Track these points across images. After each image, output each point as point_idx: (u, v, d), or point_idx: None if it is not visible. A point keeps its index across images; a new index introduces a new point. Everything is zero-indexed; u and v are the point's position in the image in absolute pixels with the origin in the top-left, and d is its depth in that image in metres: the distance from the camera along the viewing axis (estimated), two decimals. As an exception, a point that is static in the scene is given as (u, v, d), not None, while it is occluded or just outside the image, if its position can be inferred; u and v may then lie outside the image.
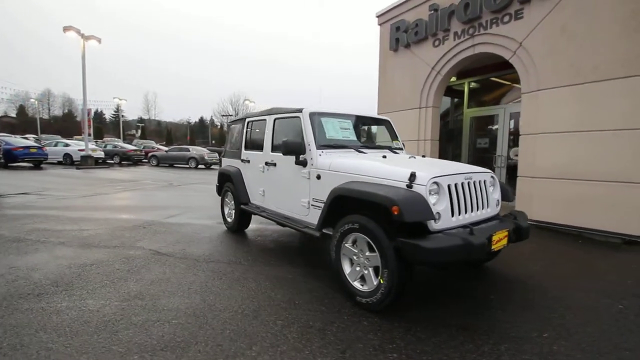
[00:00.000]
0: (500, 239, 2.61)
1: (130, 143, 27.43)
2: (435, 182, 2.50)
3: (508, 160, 6.77)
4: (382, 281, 2.43)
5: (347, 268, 2.80)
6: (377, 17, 7.95)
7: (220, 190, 5.34)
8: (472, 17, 5.85)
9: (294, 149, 3.35)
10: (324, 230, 3.10)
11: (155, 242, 4.32)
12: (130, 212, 6.35)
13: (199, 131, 67.29)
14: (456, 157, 7.74)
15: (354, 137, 3.75)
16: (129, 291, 2.86)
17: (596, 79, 4.46)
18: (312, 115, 3.51)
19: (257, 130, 4.43)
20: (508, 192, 3.21)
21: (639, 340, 2.24)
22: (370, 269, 2.60)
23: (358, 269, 2.71)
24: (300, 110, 3.57)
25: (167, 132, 56.72)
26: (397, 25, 7.31)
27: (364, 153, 3.49)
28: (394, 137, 4.19)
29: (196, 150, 20.56)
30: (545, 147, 5.04)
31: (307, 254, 4.11)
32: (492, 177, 3.06)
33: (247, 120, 4.66)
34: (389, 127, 4.26)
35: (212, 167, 20.36)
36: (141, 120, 62.42)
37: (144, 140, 33.14)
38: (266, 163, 4.05)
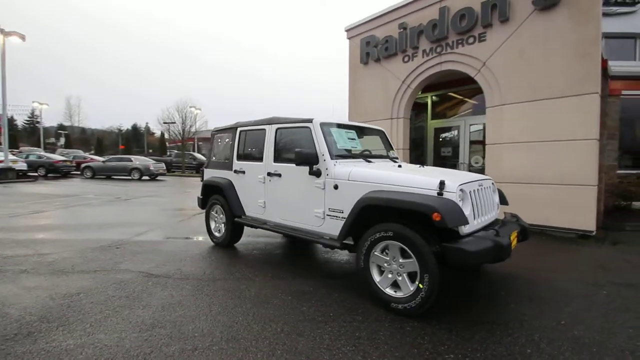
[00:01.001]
0: (513, 240, 2.88)
1: (53, 153, 24.26)
2: (461, 189, 2.68)
3: (469, 167, 7.44)
4: (421, 286, 2.52)
5: (376, 276, 2.84)
6: (346, 31, 8.26)
7: (205, 203, 5.03)
8: (440, 37, 6.39)
9: (309, 159, 3.33)
10: (345, 241, 3.11)
11: (140, 264, 3.90)
12: (87, 231, 5.63)
13: (134, 139, 61.98)
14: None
15: (360, 147, 3.84)
16: (141, 320, 2.55)
17: (550, 97, 5.18)
18: (323, 125, 3.52)
19: (253, 140, 4.29)
20: (504, 196, 3.56)
21: (634, 319, 2.63)
22: (405, 275, 2.68)
23: (390, 275, 2.77)
24: (310, 121, 3.55)
25: (97, 141, 51.21)
26: (367, 40, 7.67)
27: (372, 162, 3.59)
28: (389, 147, 4.37)
29: (140, 161, 18.94)
30: (509, 155, 5.67)
31: (313, 265, 4.06)
32: (492, 183, 3.38)
33: (240, 129, 4.49)
34: (384, 137, 4.44)
35: (157, 178, 18.95)
36: (62, 127, 55.49)
37: (71, 150, 29.53)
38: (268, 174, 3.93)
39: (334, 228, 3.26)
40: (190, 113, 24.92)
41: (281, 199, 3.83)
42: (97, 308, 2.74)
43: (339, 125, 3.78)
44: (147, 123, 56.08)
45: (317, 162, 3.35)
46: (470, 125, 7.40)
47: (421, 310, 2.55)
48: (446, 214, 2.39)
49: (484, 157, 7.17)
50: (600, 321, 2.59)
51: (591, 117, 4.86)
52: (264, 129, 4.10)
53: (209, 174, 5.00)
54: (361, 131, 4.37)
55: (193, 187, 14.77)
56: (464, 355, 2.14)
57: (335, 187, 3.25)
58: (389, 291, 2.76)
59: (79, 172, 18.85)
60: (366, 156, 3.72)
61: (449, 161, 7.91)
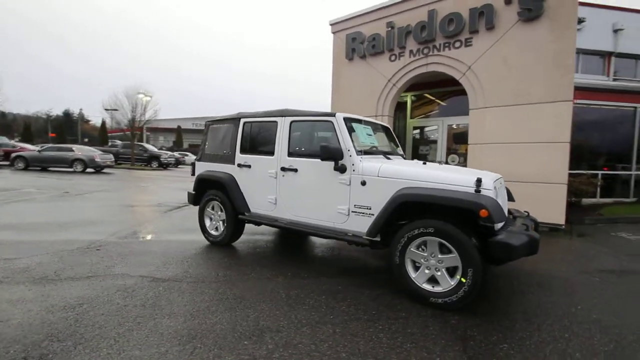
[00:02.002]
0: (533, 234, 3.09)
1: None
2: (494, 186, 2.80)
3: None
4: (464, 280, 2.59)
5: (412, 272, 2.87)
6: (331, 25, 8.18)
7: (198, 199, 4.67)
8: (427, 39, 6.62)
9: (335, 155, 3.24)
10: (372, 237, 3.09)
11: (137, 267, 3.50)
12: (49, 231, 4.91)
13: (66, 127, 55.46)
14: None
15: (377, 143, 3.83)
16: (174, 330, 2.28)
17: (529, 102, 5.64)
18: (346, 120, 3.44)
19: (261, 132, 4.06)
20: (510, 192, 3.80)
21: (630, 301, 2.98)
22: (443, 270, 2.73)
23: (427, 271, 2.81)
24: (332, 115, 3.45)
25: (24, 127, 44.88)
26: (354, 36, 7.68)
27: (390, 159, 3.60)
28: (395, 144, 4.43)
29: (83, 151, 17.01)
30: (490, 154, 6.08)
31: (327, 262, 3.97)
32: (503, 180, 3.59)
33: (244, 120, 4.22)
34: (390, 134, 4.48)
35: (103, 171, 17.24)
36: (-27, 109, 47.69)
37: (-8, 137, 25.52)
38: (282, 169, 3.75)
39: (359, 225, 3.22)
40: (141, 100, 22.88)
41: (297, 195, 3.68)
42: (113, 320, 2.40)
43: (359, 121, 3.73)
44: (80, 109, 50.56)
45: (342, 157, 3.27)
46: (448, 125, 7.80)
47: (462, 304, 2.63)
48: (492, 210, 2.48)
49: (459, 156, 7.63)
50: (608, 304, 2.89)
51: (564, 122, 5.39)
52: (275, 122, 3.90)
53: (203, 167, 4.65)
54: (374, 127, 4.37)
55: (147, 180, 13.71)
56: (518, 344, 2.24)
57: (363, 183, 3.20)
58: (427, 286, 2.80)
59: (7, 163, 16.40)
60: (385, 153, 3.73)
61: (427, 159, 8.26)
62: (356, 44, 7.64)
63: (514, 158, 5.84)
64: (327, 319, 2.52)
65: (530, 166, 5.70)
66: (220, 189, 4.34)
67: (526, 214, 3.60)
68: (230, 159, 4.29)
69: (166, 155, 23.07)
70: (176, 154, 26.79)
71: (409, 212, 2.93)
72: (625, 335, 2.40)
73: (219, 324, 2.39)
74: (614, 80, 10.90)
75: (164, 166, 22.45)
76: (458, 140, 7.85)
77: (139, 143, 23.99)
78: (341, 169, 3.30)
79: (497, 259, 2.62)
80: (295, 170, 3.67)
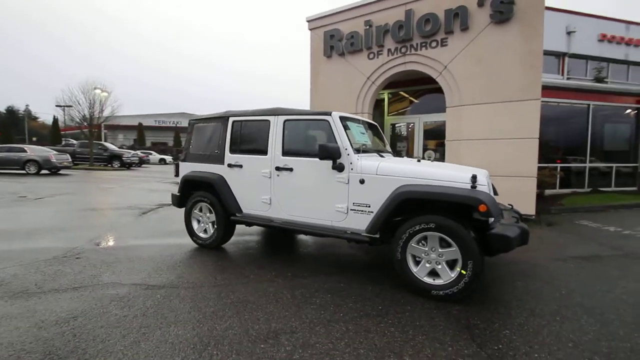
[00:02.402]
0: (519, 225, 3.30)
1: None
2: (487, 182, 2.96)
3: (423, 161, 8.14)
4: (464, 272, 2.72)
5: (413, 266, 2.97)
6: (308, 21, 8.14)
7: (183, 201, 4.50)
8: (405, 38, 6.79)
9: (333, 154, 3.25)
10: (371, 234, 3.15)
11: (126, 275, 3.32)
12: (17, 239, 4.52)
13: (11, 125, 50.71)
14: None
15: (369, 142, 3.90)
16: (185, 339, 2.20)
17: (502, 100, 5.99)
18: (341, 119, 3.47)
19: (252, 131, 3.98)
20: (494, 187, 4.03)
21: (603, 283, 3.29)
22: (444, 263, 2.86)
23: (428, 265, 2.92)
24: (328, 114, 3.46)
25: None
26: (332, 33, 7.70)
27: (383, 157, 3.69)
28: (383, 142, 4.53)
29: (36, 151, 15.69)
30: (467, 150, 6.39)
31: (324, 260, 3.97)
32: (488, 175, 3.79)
33: (233, 120, 4.11)
34: (377, 132, 4.57)
35: (60, 172, 16.05)
36: None
37: None
38: (277, 168, 3.71)
39: (358, 222, 3.27)
40: (98, 96, 21.41)
41: (293, 195, 3.66)
42: (116, 332, 2.27)
43: (352, 120, 3.77)
44: (27, 105, 46.52)
45: (340, 156, 3.30)
46: (424, 122, 8.08)
47: (463, 295, 2.76)
48: (490, 205, 2.62)
49: (436, 152, 7.94)
50: (586, 288, 3.18)
51: (534, 119, 5.78)
52: (267, 120, 3.84)
53: (189, 168, 4.48)
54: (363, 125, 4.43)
55: (111, 182, 12.95)
56: (517, 329, 2.40)
57: (362, 181, 3.25)
58: (428, 279, 2.91)
59: (-55, 165, 14.74)
60: (377, 151, 3.80)
61: (405, 156, 8.51)
62: (334, 41, 7.67)
63: (489, 154, 6.18)
64: (338, 316, 2.55)
65: (503, 161, 6.06)
66: (209, 190, 4.21)
67: (510, 206, 3.83)
68: (219, 159, 4.16)
69: (129, 155, 21.83)
70: (139, 152, 25.46)
71: (406, 208, 3.02)
72: (607, 315, 2.65)
73: (230, 329, 2.34)
74: (568, 79, 11.82)
75: (126, 166, 21.26)
76: (428, 137, 8.17)
77: (98, 141, 22.51)
78: (339, 168, 3.32)
79: (494, 251, 2.78)
80: (291, 169, 3.64)
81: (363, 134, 3.85)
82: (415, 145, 8.25)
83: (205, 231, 4.35)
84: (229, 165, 4.07)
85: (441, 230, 2.79)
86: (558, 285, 3.24)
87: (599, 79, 11.68)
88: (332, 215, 3.42)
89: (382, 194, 3.13)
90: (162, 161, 30.04)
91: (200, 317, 2.49)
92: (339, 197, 3.37)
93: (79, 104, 20.65)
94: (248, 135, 4.03)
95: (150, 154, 29.65)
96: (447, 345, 2.19)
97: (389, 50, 7.07)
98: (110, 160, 21.12)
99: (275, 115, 3.80)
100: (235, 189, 4.05)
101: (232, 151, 4.08)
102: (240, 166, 3.99)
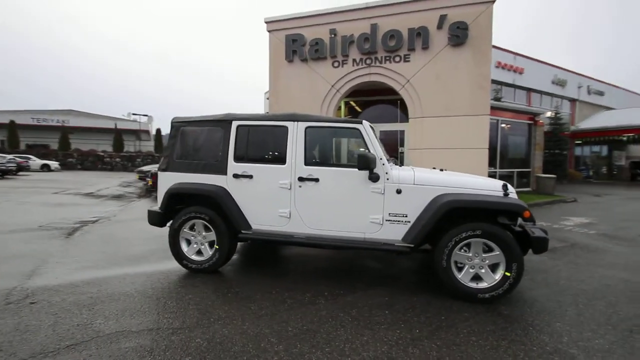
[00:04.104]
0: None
1: None
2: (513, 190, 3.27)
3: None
4: (508, 274, 2.92)
5: (457, 273, 3.06)
6: (267, 22, 7.78)
7: (166, 219, 3.77)
8: (370, 50, 7.07)
9: (371, 163, 3.15)
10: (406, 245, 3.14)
11: (127, 318, 2.60)
12: None
13: None
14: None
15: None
16: None
17: (458, 114, 6.71)
18: (371, 127, 3.39)
19: (265, 138, 3.57)
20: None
21: (586, 271, 3.93)
22: (487, 267, 3.02)
23: (471, 270, 3.05)
24: (359, 122, 3.34)
25: None
26: (294, 38, 7.51)
27: (404, 167, 3.74)
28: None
29: None
30: (428, 159, 6.95)
31: (346, 274, 3.76)
32: None
33: (237, 124, 3.61)
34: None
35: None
36: None
37: None
38: (300, 179, 3.40)
39: (394, 233, 3.23)
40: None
41: (319, 207, 3.40)
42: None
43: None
44: None
45: (376, 166, 3.22)
46: (380, 131, 8.49)
47: (507, 295, 2.97)
48: (530, 212, 2.89)
49: (389, 160, 8.41)
50: (576, 276, 3.75)
51: (484, 132, 6.64)
52: (285, 126, 3.50)
53: (173, 179, 3.77)
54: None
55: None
56: (567, 322, 2.68)
57: (399, 191, 3.22)
58: (472, 284, 3.04)
59: None
60: (393, 160, 3.83)
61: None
62: (297, 46, 7.50)
63: (447, 162, 6.80)
64: (416, 333, 2.45)
65: (458, 168, 6.76)
66: (207, 205, 3.61)
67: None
68: (219, 169, 3.61)
69: (3, 160, 17.30)
70: (16, 157, 20.41)
71: (444, 217, 3.11)
72: (609, 298, 3.17)
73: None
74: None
75: (1, 174, 16.81)
76: (390, 147, 8.64)
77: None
78: (374, 178, 3.23)
79: (535, 252, 3.05)
80: (317, 180, 3.38)
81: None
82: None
83: (198, 253, 3.71)
84: (235, 176, 3.56)
85: (487, 236, 2.95)
86: (553, 276, 3.75)
87: (497, 99, 14.14)
88: (365, 227, 3.30)
89: (419, 204, 3.16)
90: (45, 167, 24.63)
91: (285, 356, 2.09)
92: (374, 207, 3.27)
93: None
94: (259, 142, 3.60)
95: (29, 158, 24.02)
96: (544, 344, 2.30)
97: (354, 60, 7.25)
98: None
99: (294, 121, 3.49)
100: (242, 202, 3.57)
101: (237, 159, 3.59)
102: (250, 176, 3.53)
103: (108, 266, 3.88)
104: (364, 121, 3.36)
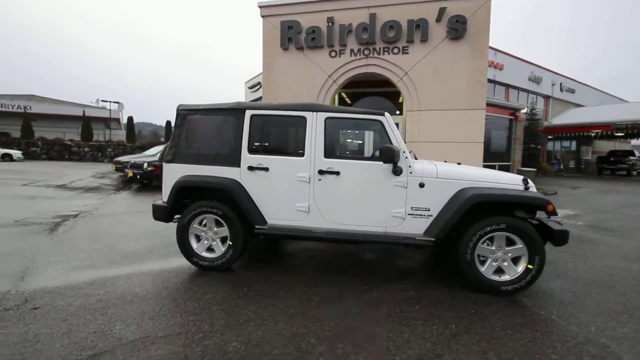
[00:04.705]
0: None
1: None
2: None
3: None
4: (530, 266, 2.97)
5: (480, 266, 3.08)
6: (260, 7, 7.45)
7: (172, 214, 3.54)
8: (369, 41, 6.96)
9: (395, 156, 3.08)
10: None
11: (148, 323, 2.41)
12: None
13: None
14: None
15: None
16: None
17: (455, 108, 6.78)
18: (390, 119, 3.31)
19: (282, 128, 3.42)
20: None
21: (586, 261, 4.10)
22: (509, 260, 3.06)
23: (494, 263, 3.08)
24: (381, 114, 3.25)
25: None
26: (290, 24, 7.26)
27: (418, 159, 3.71)
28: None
29: None
30: (425, 151, 6.98)
31: (357, 268, 3.70)
32: None
33: (251, 113, 3.42)
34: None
35: None
36: None
37: None
38: (320, 172, 3.28)
39: (415, 227, 3.21)
40: None
41: (340, 201, 3.30)
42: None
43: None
44: None
45: (399, 159, 3.16)
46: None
47: (529, 287, 3.02)
48: (554, 205, 2.94)
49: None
50: (582, 266, 3.90)
51: (480, 126, 6.76)
52: (303, 117, 3.35)
53: (181, 170, 3.53)
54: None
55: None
56: (586, 311, 2.77)
57: (421, 185, 3.18)
58: (494, 277, 3.07)
59: None
60: (412, 153, 3.78)
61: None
62: (293, 33, 7.26)
63: (443, 155, 6.87)
64: (454, 329, 2.43)
65: (456, 161, 6.87)
66: (219, 199, 3.42)
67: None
68: (232, 160, 3.42)
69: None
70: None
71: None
72: (615, 285, 3.32)
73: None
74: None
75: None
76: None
77: None
78: (397, 171, 3.17)
79: (557, 244, 3.11)
80: (337, 173, 3.28)
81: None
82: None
83: (209, 249, 3.52)
84: (250, 168, 3.38)
85: (511, 229, 2.98)
86: (564, 267, 3.86)
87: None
88: (386, 221, 3.24)
89: (441, 198, 3.14)
90: (7, 157, 22.80)
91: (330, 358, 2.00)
92: (396, 201, 3.22)
93: None
94: (274, 133, 3.44)
95: (-15, 147, 22.11)
96: (576, 334, 2.35)
97: (351, 50, 7.12)
98: None
99: (312, 111, 3.34)
100: (256, 196, 3.40)
101: (251, 151, 3.40)
102: (266, 169, 3.37)
103: (107, 265, 3.61)
104: (386, 113, 3.27)
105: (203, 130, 3.57)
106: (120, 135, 33.22)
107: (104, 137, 31.97)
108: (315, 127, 3.32)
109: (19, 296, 2.76)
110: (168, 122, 28.56)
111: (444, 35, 6.72)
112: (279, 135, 3.43)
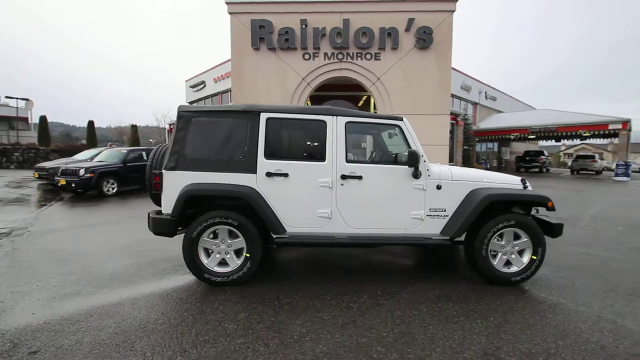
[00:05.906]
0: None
1: None
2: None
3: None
4: (534, 257, 3.31)
5: (492, 260, 3.33)
6: (228, 4, 7.05)
7: (177, 226, 3.18)
8: (342, 45, 7.07)
9: (418, 161, 3.20)
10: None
11: (194, 354, 2.14)
12: None
13: None
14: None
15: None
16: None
17: (423, 113, 7.24)
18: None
19: (300, 133, 3.29)
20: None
21: (559, 252, 4.68)
22: (517, 253, 3.37)
23: (504, 257, 3.36)
24: (399, 119, 3.35)
25: None
26: (261, 23, 7.02)
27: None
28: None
29: None
30: (397, 154, 7.33)
31: (374, 271, 3.72)
32: None
33: (267, 116, 3.23)
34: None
35: None
36: None
37: None
38: (342, 177, 3.23)
39: (433, 227, 3.36)
40: None
41: (363, 206, 3.30)
42: None
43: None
44: None
45: (420, 163, 3.28)
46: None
47: (533, 275, 3.36)
48: (552, 202, 3.32)
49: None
50: (576, 250, 4.45)
51: (445, 130, 7.32)
52: (323, 121, 3.27)
53: (187, 178, 3.18)
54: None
55: None
56: (581, 294, 3.19)
57: (439, 187, 3.35)
58: (505, 269, 3.35)
59: None
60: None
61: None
62: (264, 33, 7.04)
63: (413, 157, 7.32)
64: (494, 321, 2.59)
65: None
66: (234, 208, 3.16)
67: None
68: (246, 167, 3.19)
69: None
70: None
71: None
72: (611, 264, 3.87)
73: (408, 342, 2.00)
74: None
75: None
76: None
77: None
78: (417, 175, 3.29)
79: (554, 236, 3.48)
80: (360, 177, 3.27)
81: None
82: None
83: (222, 263, 3.23)
84: (268, 174, 3.19)
85: (519, 226, 3.28)
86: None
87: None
88: (407, 223, 3.34)
89: (456, 199, 3.35)
90: None
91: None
92: (416, 204, 3.33)
93: None
94: (293, 137, 3.31)
95: None
96: (572, 312, 2.68)
97: (325, 54, 7.16)
98: None
99: (332, 115, 3.29)
100: (275, 203, 3.23)
101: (268, 156, 3.22)
102: (286, 175, 3.21)
103: (95, 290, 3.09)
104: (404, 117, 3.37)
105: (211, 134, 3.27)
106: (31, 137, 28.51)
107: (7, 140, 27.18)
108: (336, 131, 3.27)
109: (1, 339, 2.22)
110: (91, 123, 25.06)
111: (412, 44, 7.14)
112: (298, 139, 3.31)
